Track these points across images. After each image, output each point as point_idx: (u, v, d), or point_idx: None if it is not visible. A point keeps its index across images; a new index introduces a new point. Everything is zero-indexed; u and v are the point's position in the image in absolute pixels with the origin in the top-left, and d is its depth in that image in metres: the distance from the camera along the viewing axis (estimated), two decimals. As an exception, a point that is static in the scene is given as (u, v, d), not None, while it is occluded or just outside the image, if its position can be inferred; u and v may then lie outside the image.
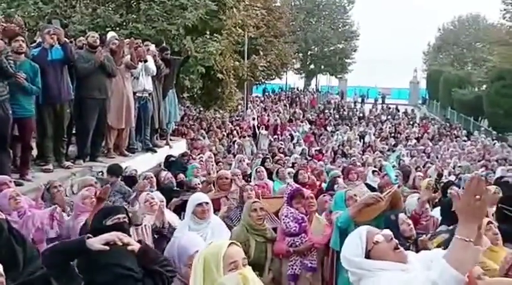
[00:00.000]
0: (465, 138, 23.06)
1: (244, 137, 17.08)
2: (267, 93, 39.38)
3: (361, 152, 16.69)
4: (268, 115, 24.23)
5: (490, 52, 36.63)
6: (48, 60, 6.82)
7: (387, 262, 2.33)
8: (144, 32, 11.58)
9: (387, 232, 2.47)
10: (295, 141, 18.19)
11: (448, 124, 28.56)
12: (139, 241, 2.69)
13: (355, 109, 33.67)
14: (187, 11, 12.01)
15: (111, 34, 8.99)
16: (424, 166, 13.08)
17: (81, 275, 2.67)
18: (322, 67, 50.60)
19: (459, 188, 8.01)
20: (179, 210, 5.63)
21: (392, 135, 22.93)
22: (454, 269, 2.05)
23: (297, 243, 4.76)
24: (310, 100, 36.66)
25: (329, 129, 23.89)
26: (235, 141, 15.69)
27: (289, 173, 8.58)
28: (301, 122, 24.51)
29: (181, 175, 7.79)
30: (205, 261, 2.23)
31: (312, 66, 51.25)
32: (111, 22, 11.68)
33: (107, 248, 2.51)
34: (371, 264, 2.35)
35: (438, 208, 6.07)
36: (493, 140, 22.34)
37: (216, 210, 5.64)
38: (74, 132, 8.23)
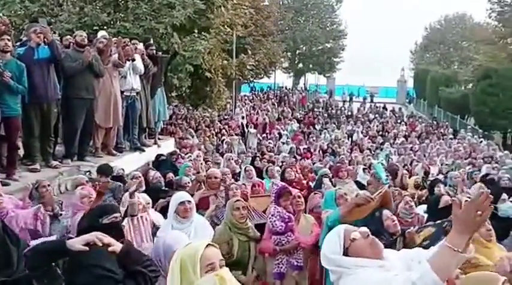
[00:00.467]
0: (452, 136, 23.27)
1: (232, 136, 17.07)
2: (253, 92, 39.36)
3: (349, 150, 16.77)
4: (257, 114, 24.25)
5: (476, 51, 36.95)
6: (35, 59, 6.76)
7: (365, 259, 2.38)
8: (132, 31, 11.52)
9: (364, 228, 2.51)
10: (283, 139, 18.21)
11: (435, 122, 28.79)
12: (122, 241, 2.65)
13: (343, 108, 33.80)
14: (175, 9, 11.97)
15: (101, 33, 8.93)
16: (411, 164, 13.18)
17: (63, 276, 2.65)
18: (311, 66, 50.72)
19: (445, 186, 8.12)
20: (166, 211, 5.63)
21: (380, 133, 23.07)
22: (436, 274, 2.08)
23: (283, 242, 4.79)
24: (300, 99, 36.73)
25: (317, 127, 23.96)
26: (223, 139, 15.69)
27: (277, 171, 8.63)
28: (290, 120, 24.56)
29: (170, 174, 7.79)
30: (182, 262, 2.22)
31: (300, 65, 51.36)
32: (98, 21, 11.61)
33: (87, 248, 2.49)
34: (349, 261, 2.40)
35: (424, 206, 6.16)
36: (479, 138, 22.56)
37: (205, 208, 5.68)
38: (61, 131, 8.18)
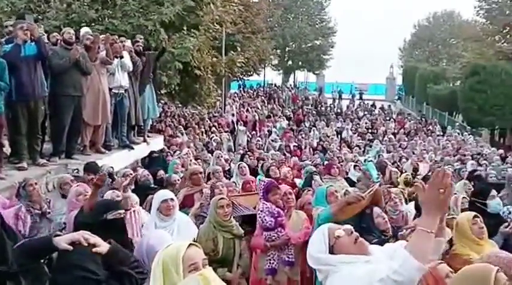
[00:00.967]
0: (440, 133, 23.41)
1: (222, 133, 17.04)
2: (241, 88, 39.33)
3: (338, 148, 16.81)
4: (247, 111, 24.22)
5: (465, 48, 37.23)
6: (22, 56, 6.68)
7: (350, 255, 2.40)
8: (120, 28, 11.43)
9: (347, 226, 2.54)
10: (272, 137, 18.21)
11: (423, 119, 28.95)
12: (109, 242, 2.62)
13: (332, 105, 33.88)
14: (164, 6, 11.91)
15: (84, 30, 8.84)
16: (399, 161, 13.24)
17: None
18: (300, 63, 50.82)
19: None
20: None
21: (370, 130, 23.15)
22: (415, 258, 2.11)
23: (273, 237, 4.80)
24: (292, 96, 36.80)
25: (307, 124, 23.99)
26: (212, 137, 15.66)
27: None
28: (279, 118, 24.57)
29: (161, 172, 7.77)
30: (164, 263, 2.20)
31: (289, 62, 51.40)
32: (86, 17, 11.50)
33: (71, 247, 2.46)
34: (334, 259, 2.41)
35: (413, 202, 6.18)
36: (468, 134, 22.72)
37: (190, 206, 5.68)
38: (48, 129, 8.10)
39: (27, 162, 6.99)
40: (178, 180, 6.98)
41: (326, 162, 10.87)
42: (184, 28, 12.64)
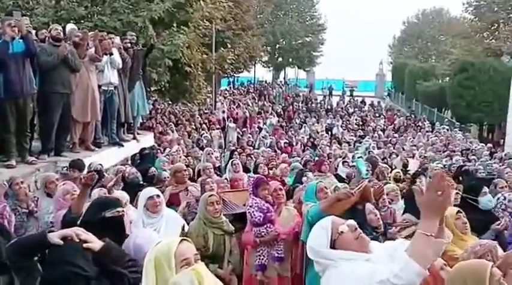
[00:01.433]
0: (429, 129, 23.54)
1: (213, 130, 17.01)
2: (230, 85, 39.29)
3: (328, 144, 16.84)
4: (237, 107, 24.19)
5: (453, 45, 37.38)
6: (10, 53, 6.61)
7: (351, 252, 2.38)
8: (110, 25, 11.38)
9: (351, 222, 2.51)
10: (263, 133, 18.21)
11: (413, 115, 29.11)
12: (104, 240, 2.61)
13: (322, 102, 33.96)
14: (153, 3, 11.86)
15: (70, 26, 8.77)
16: (389, 157, 13.31)
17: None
18: (290, 60, 50.78)
19: (426, 178, 8.22)
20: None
21: (360, 127, 23.24)
22: (416, 262, 2.11)
23: (263, 233, 4.81)
24: (283, 93, 36.83)
25: (297, 121, 24.01)
26: (202, 134, 15.63)
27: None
28: (270, 114, 24.57)
29: (153, 169, 7.75)
30: (156, 260, 2.20)
31: (280, 59, 51.37)
32: (75, 14, 11.43)
33: (61, 242, 2.45)
34: (336, 254, 2.40)
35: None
36: (458, 131, 22.87)
37: (177, 205, 5.67)
38: (37, 126, 8.04)
39: (16, 160, 6.93)
40: (168, 177, 6.97)
41: (316, 159, 10.88)
42: (174, 25, 12.60)
